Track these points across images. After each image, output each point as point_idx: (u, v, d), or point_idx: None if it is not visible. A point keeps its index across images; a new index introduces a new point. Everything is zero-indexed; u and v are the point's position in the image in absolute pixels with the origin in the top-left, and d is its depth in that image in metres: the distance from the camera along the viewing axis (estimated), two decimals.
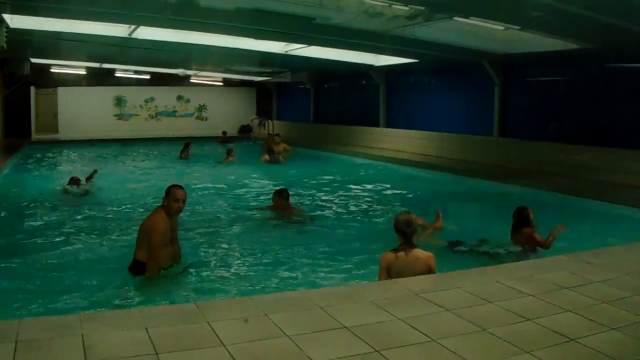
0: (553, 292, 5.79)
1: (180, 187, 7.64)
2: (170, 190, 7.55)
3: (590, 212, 13.01)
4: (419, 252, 6.64)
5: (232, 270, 8.58)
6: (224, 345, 4.30)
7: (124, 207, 13.47)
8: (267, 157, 22.99)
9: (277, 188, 12.86)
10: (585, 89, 18.07)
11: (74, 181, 14.87)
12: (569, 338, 4.63)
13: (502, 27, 14.93)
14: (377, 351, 4.29)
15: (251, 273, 8.48)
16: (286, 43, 20.29)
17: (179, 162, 23.56)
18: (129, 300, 7.03)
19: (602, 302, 5.54)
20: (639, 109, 16.15)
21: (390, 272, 6.52)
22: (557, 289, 5.90)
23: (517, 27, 14.62)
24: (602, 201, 13.80)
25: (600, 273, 6.57)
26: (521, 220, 9.24)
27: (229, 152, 23.51)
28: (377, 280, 6.67)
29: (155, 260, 7.41)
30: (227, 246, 10.01)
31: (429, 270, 6.59)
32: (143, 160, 24.95)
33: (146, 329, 4.55)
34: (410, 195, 16.39)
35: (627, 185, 14.89)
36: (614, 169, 15.78)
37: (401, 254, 6.54)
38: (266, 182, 17.85)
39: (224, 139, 30.11)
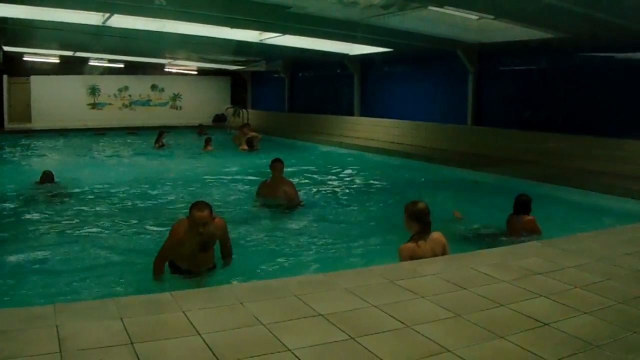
0: (526, 278, 5.86)
1: (200, 208, 6.88)
2: (191, 212, 6.89)
3: (562, 199, 13.13)
4: (436, 234, 6.87)
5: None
6: (199, 334, 4.30)
7: (97, 199, 13.34)
8: (245, 147, 23.13)
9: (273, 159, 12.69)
10: (558, 78, 18.20)
11: (46, 176, 14.42)
12: (542, 323, 4.69)
13: (476, 17, 14.98)
14: (353, 338, 4.31)
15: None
16: (261, 32, 20.22)
17: (156, 151, 23.38)
18: (104, 291, 7.01)
19: (575, 287, 5.61)
20: (611, 97, 16.31)
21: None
22: (530, 275, 5.96)
23: (491, 17, 14.67)
24: (575, 188, 13.93)
25: (573, 259, 6.65)
26: (523, 206, 9.31)
27: (207, 142, 23.43)
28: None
29: (160, 263, 7.18)
30: None
31: (444, 249, 6.88)
32: (118, 151, 24.71)
33: (121, 318, 4.53)
34: (385, 184, 16.44)
35: (599, 172, 15.03)
36: (586, 157, 15.93)
37: (421, 242, 6.72)
38: (247, 169, 17.87)
39: (201, 130, 29.99)
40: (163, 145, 24.22)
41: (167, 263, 7.25)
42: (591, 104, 16.89)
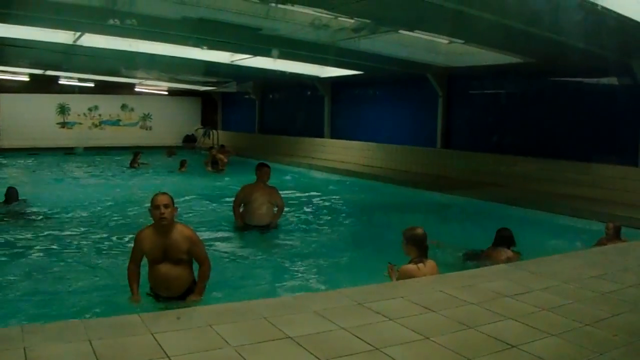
0: (495, 300, 5.89)
1: (159, 193, 6.77)
2: (151, 201, 6.74)
3: (531, 222, 13.23)
4: (431, 262, 7.08)
5: None
6: (168, 356, 4.26)
7: (65, 219, 13.20)
8: (209, 168, 23.49)
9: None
10: (526, 102, 18.42)
11: (10, 194, 13.92)
12: (510, 345, 4.71)
13: (446, 41, 15.13)
14: None
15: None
16: (232, 53, 20.25)
17: (128, 172, 23.22)
18: (71, 312, 6.93)
19: (543, 309, 5.65)
20: (578, 121, 16.52)
21: None
22: (499, 297, 5.99)
23: (461, 41, 14.84)
24: (543, 211, 14.09)
25: (541, 281, 6.70)
26: (506, 241, 9.31)
27: (182, 163, 23.41)
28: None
29: (129, 270, 6.98)
30: None
31: None
32: (89, 170, 24.50)
33: (89, 340, 4.48)
34: (354, 206, 16.48)
35: (567, 195, 15.21)
36: (554, 180, 16.11)
37: (421, 265, 6.92)
38: (216, 190, 17.85)
39: (170, 152, 29.87)
40: (138, 165, 24.05)
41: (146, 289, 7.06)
42: (559, 128, 17.09)
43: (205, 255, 6.91)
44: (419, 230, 7.09)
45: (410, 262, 7.00)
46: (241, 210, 11.70)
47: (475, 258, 9.43)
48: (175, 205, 6.78)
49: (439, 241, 9.88)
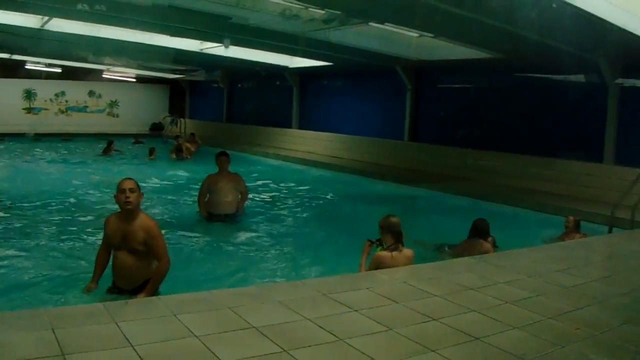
0: (459, 293, 5.92)
1: (125, 179, 6.66)
2: (118, 183, 6.62)
3: (496, 216, 13.23)
4: (407, 251, 7.14)
5: None
6: (132, 345, 4.21)
7: (30, 208, 13.00)
8: (173, 155, 23.49)
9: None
10: (494, 97, 18.56)
11: None
12: (473, 337, 4.73)
13: (416, 34, 15.18)
14: (286, 351, 4.28)
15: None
16: (201, 41, 20.15)
17: (95, 160, 22.96)
18: (35, 301, 6.85)
19: (506, 302, 5.69)
20: (545, 117, 16.67)
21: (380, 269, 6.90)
22: (463, 290, 6.03)
23: (431, 35, 14.89)
24: (508, 205, 14.20)
25: (505, 274, 6.75)
26: (481, 231, 9.32)
27: (151, 151, 23.27)
28: (357, 269, 7.21)
29: (97, 255, 6.91)
30: None
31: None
32: (56, 158, 24.12)
33: (53, 329, 4.41)
34: (320, 197, 16.46)
35: (533, 190, 15.36)
36: (520, 175, 16.25)
37: (395, 253, 6.99)
38: (183, 179, 17.76)
39: (136, 139, 29.66)
40: (111, 152, 23.82)
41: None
42: (527, 123, 17.25)
43: (163, 251, 6.62)
44: (393, 219, 7.15)
45: (386, 249, 7.07)
46: (206, 200, 11.66)
47: (451, 252, 9.44)
48: (142, 192, 6.68)
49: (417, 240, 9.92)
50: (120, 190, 6.48)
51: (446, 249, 9.62)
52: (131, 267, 6.58)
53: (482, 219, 9.39)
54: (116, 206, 6.65)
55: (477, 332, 4.84)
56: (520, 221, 13.07)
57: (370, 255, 7.26)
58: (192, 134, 28.05)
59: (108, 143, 24.34)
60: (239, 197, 11.82)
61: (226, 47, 19.21)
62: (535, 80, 17.41)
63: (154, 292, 6.37)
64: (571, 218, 10.57)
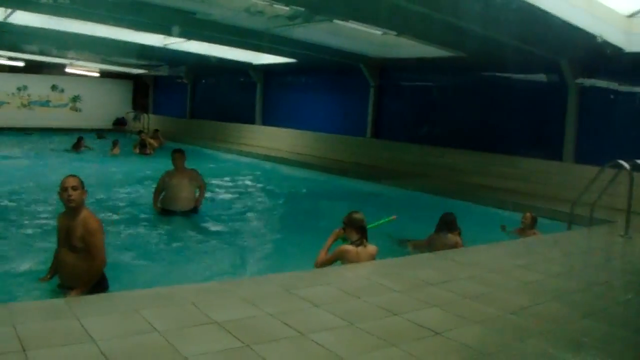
0: (420, 288, 5.97)
1: (68, 176, 6.52)
2: (61, 180, 6.49)
3: (456, 213, 13.35)
4: (371, 247, 7.16)
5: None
6: (94, 341, 4.19)
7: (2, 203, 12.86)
8: (137, 150, 23.34)
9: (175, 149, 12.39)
10: (456, 95, 18.70)
11: None
12: (434, 332, 4.78)
13: (379, 32, 15.23)
14: (248, 346, 4.29)
15: (124, 268, 8.30)
16: (165, 36, 20.02)
17: (69, 155, 22.55)
18: None
19: (467, 297, 5.76)
20: (507, 116, 16.83)
21: (341, 263, 7.01)
22: (424, 285, 6.08)
23: (394, 33, 14.93)
24: (469, 202, 14.31)
25: (465, 270, 6.83)
26: (450, 225, 9.35)
27: (115, 143, 23.05)
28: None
29: (54, 254, 6.81)
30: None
31: None
32: (17, 152, 23.74)
33: (13, 325, 4.37)
34: (283, 193, 16.46)
35: (494, 187, 15.52)
36: (481, 172, 16.41)
37: (360, 248, 7.03)
38: (144, 174, 17.61)
39: (100, 134, 29.41)
40: (81, 148, 23.48)
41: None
42: (488, 121, 17.40)
43: (100, 250, 6.48)
44: (357, 215, 7.19)
45: (352, 243, 7.09)
46: (162, 196, 11.63)
47: (417, 246, 9.48)
48: (85, 189, 6.56)
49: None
50: (62, 188, 6.38)
51: (409, 244, 9.67)
52: (70, 264, 6.48)
53: (449, 213, 9.46)
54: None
55: (438, 327, 4.89)
56: (480, 218, 13.16)
57: (335, 245, 7.29)
58: (156, 130, 27.88)
59: (78, 139, 23.96)
60: (197, 193, 11.79)
61: (174, 35, 18.95)
62: (497, 79, 17.57)
63: (86, 291, 6.23)
64: (528, 215, 10.72)
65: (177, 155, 11.68)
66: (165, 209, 11.52)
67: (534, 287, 6.41)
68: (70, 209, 6.43)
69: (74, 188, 6.38)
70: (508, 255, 8.12)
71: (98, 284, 6.48)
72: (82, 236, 6.38)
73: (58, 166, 18.42)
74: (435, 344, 4.59)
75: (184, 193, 11.52)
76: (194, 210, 11.66)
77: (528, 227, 10.53)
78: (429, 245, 9.14)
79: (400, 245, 9.70)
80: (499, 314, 5.35)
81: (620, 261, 9.03)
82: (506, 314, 5.37)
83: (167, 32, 18.57)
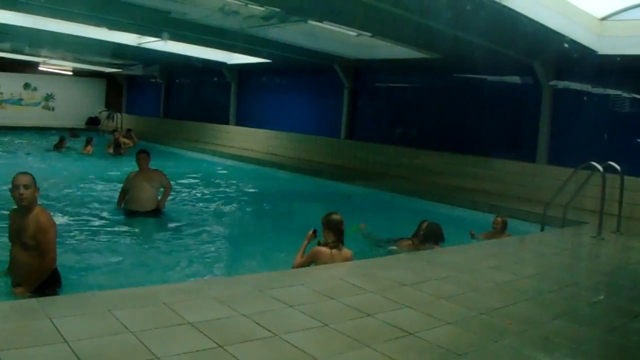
0: (393, 289, 5.98)
1: (20, 173, 6.37)
2: (13, 178, 6.33)
3: (430, 214, 13.31)
4: (347, 251, 7.16)
5: (75, 265, 8.28)
6: (66, 341, 4.16)
7: None
8: (110, 150, 23.08)
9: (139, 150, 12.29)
10: (431, 96, 18.76)
11: None
12: (407, 332, 4.80)
13: (354, 33, 15.25)
14: (221, 346, 4.28)
15: (95, 268, 8.24)
16: (139, 35, 19.92)
17: (50, 154, 22.28)
18: None
19: (440, 298, 5.78)
20: (481, 117, 16.92)
21: (315, 265, 6.99)
22: (397, 286, 6.10)
23: (369, 34, 14.96)
24: (443, 203, 14.37)
25: (438, 271, 6.86)
26: (437, 236, 9.32)
27: (88, 141, 22.86)
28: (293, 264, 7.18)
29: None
30: (71, 241, 9.64)
31: None
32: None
33: None
34: (257, 194, 16.47)
35: (468, 188, 15.58)
36: (456, 174, 16.47)
37: (335, 251, 7.01)
38: (115, 174, 17.47)
39: (72, 133, 29.19)
40: (63, 148, 23.13)
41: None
42: (463, 123, 17.48)
43: (51, 247, 6.39)
44: (335, 216, 7.18)
45: (326, 245, 7.08)
46: (126, 197, 11.63)
47: (403, 247, 9.43)
48: (37, 187, 6.44)
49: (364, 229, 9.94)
50: (14, 186, 6.27)
51: (392, 244, 9.62)
52: (23, 264, 6.39)
53: (435, 223, 9.32)
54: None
55: (411, 327, 4.91)
56: (454, 219, 13.21)
57: (310, 247, 7.29)
58: (129, 129, 27.68)
59: (60, 139, 23.70)
60: (160, 193, 11.75)
61: (165, 40, 19.02)
62: (471, 80, 17.65)
63: (33, 287, 6.20)
64: (499, 219, 10.66)
65: (142, 156, 11.66)
66: (128, 210, 11.50)
67: (506, 287, 6.45)
68: (22, 207, 6.34)
69: (26, 187, 6.27)
70: (481, 256, 8.17)
71: (51, 281, 6.43)
72: (33, 234, 6.30)
73: (34, 164, 18.33)
74: (408, 344, 4.60)
75: (145, 194, 11.45)
76: (157, 210, 11.58)
77: (499, 232, 10.54)
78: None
79: (381, 246, 9.64)
80: (472, 315, 5.37)
81: (592, 262, 9.11)
82: (479, 314, 5.40)
83: (142, 31, 18.49)
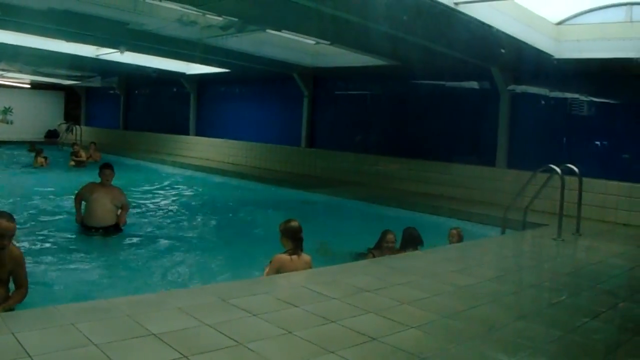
0: (356, 295, 5.99)
1: (8, 219, 6.18)
2: None
3: (391, 220, 13.46)
4: (306, 256, 7.19)
5: (39, 280, 8.18)
6: (30, 356, 4.10)
7: None
8: (73, 162, 22.84)
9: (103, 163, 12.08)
10: (390, 103, 18.87)
11: None
12: (371, 337, 4.80)
13: (312, 42, 15.31)
14: (186, 357, 4.25)
15: (56, 283, 8.17)
16: (97, 47, 19.79)
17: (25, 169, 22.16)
18: None
19: (402, 303, 5.80)
20: (441, 123, 17.06)
21: (281, 273, 6.94)
22: (360, 292, 6.11)
23: (327, 42, 15.03)
24: (404, 209, 14.45)
25: (400, 276, 6.88)
26: (415, 240, 9.38)
27: (38, 153, 22.54)
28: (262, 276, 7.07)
29: None
30: (33, 256, 9.50)
31: None
32: None
33: None
34: (217, 204, 16.44)
35: (428, 194, 15.71)
36: (416, 179, 16.61)
37: (294, 257, 7.03)
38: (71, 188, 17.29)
39: (32, 147, 28.87)
40: (43, 163, 22.87)
41: None
42: (423, 129, 17.62)
43: (26, 280, 6.47)
44: (293, 223, 7.20)
45: (285, 252, 7.09)
46: (83, 210, 11.33)
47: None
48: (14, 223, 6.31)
49: (323, 244, 9.93)
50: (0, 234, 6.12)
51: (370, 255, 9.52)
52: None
53: (412, 228, 9.55)
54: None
55: (375, 332, 4.92)
56: (415, 225, 13.27)
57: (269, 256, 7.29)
58: (93, 142, 27.36)
59: (37, 152, 23.42)
60: (118, 210, 11.38)
61: (121, 52, 18.96)
62: (430, 87, 17.80)
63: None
64: (454, 231, 10.50)
65: (107, 171, 11.31)
66: (88, 225, 11.13)
67: (469, 291, 6.50)
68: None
69: (11, 237, 6.21)
70: (443, 260, 8.22)
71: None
72: (11, 270, 6.31)
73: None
74: (372, 349, 4.61)
75: (102, 210, 11.09)
76: (116, 227, 11.27)
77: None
78: None
79: (358, 259, 9.54)
80: (435, 318, 5.40)
81: (553, 263, 9.20)
82: (442, 318, 5.43)
83: (100, 43, 18.36)
